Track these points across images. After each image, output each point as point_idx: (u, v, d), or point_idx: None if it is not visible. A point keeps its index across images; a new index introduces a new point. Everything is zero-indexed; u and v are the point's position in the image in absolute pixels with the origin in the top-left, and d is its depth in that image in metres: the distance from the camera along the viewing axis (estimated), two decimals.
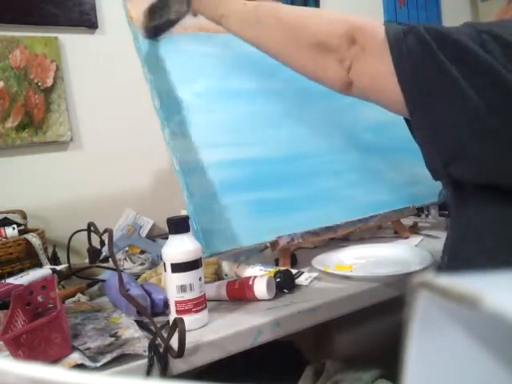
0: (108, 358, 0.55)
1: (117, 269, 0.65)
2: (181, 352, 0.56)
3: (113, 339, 0.60)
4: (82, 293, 0.86)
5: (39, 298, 0.72)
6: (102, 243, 1.05)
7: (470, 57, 0.47)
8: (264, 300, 0.72)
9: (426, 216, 1.25)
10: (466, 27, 0.51)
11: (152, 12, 0.88)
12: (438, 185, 0.64)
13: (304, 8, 0.67)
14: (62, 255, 1.09)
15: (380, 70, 0.54)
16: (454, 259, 0.57)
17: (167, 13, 0.85)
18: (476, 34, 0.48)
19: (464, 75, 0.47)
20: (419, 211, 1.20)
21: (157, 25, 0.88)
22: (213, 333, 0.63)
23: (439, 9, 2.23)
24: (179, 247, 0.64)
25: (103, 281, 0.88)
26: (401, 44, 0.51)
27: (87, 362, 0.54)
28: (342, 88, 0.59)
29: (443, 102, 0.50)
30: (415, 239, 1.04)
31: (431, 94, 0.50)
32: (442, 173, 0.53)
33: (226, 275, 0.85)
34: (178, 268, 0.63)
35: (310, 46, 0.60)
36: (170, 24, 0.87)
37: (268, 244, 0.88)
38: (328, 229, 0.93)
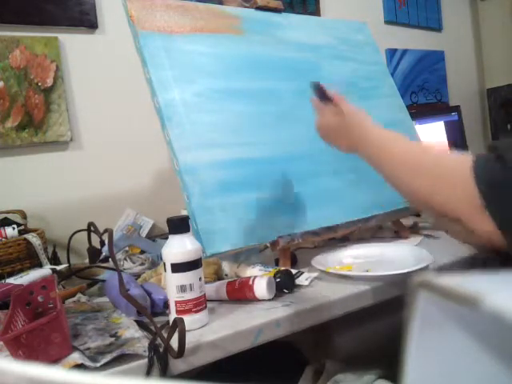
0: (108, 357, 0.55)
1: (117, 269, 0.65)
2: (181, 352, 0.56)
3: (113, 339, 0.60)
4: (82, 293, 0.86)
5: (39, 298, 0.72)
6: (102, 243, 1.05)
7: None
8: (264, 300, 0.72)
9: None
10: None
11: None
12: None
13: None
14: (62, 255, 1.09)
15: None
16: None
17: None
18: None
19: None
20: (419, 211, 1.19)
21: None
22: (213, 333, 0.63)
23: (439, 9, 2.23)
24: (179, 247, 0.64)
25: (103, 281, 0.88)
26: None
27: (87, 362, 0.54)
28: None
29: None
30: (415, 239, 1.04)
31: None
32: None
33: (226, 275, 0.85)
34: (178, 268, 0.63)
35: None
36: None
37: (268, 244, 0.88)
38: (328, 229, 0.93)
